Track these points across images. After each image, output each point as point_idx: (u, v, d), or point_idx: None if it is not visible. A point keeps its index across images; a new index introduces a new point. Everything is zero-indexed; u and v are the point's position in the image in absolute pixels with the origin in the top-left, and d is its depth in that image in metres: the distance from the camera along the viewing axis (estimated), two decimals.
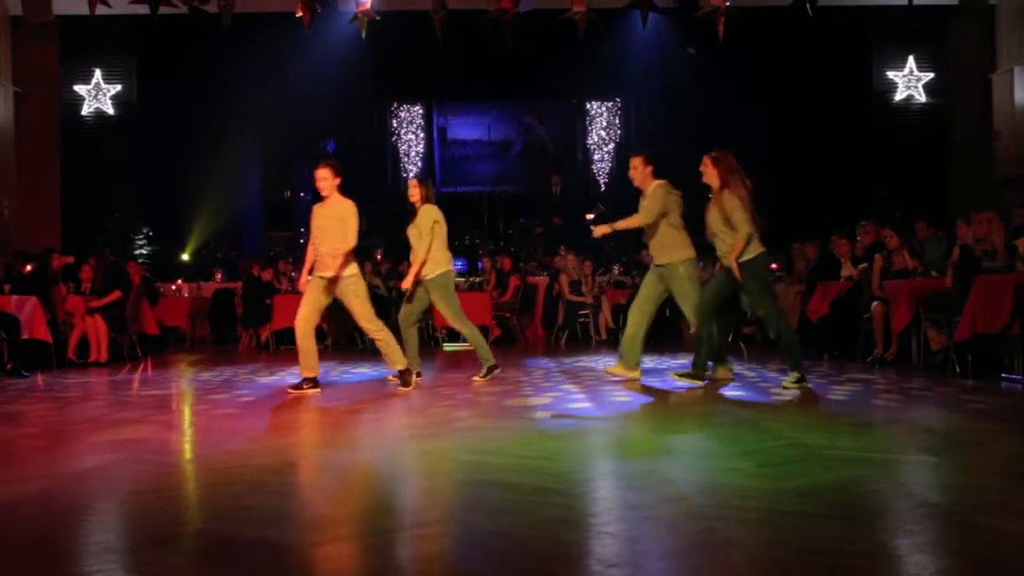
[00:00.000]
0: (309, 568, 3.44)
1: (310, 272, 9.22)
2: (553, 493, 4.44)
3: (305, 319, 9.09)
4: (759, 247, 8.90)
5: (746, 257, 8.77)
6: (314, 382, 9.10)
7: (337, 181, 9.19)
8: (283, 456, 5.71)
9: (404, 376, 9.24)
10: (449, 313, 9.99)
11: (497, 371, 10.07)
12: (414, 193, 9.99)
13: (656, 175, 9.57)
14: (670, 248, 9.53)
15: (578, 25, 17.53)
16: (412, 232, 9.91)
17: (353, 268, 9.10)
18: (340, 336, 16.49)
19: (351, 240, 8.98)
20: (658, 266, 9.67)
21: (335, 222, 9.03)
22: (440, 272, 9.81)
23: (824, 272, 13.24)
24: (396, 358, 9.25)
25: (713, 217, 9.04)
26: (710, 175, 9.10)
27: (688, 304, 9.55)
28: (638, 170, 9.78)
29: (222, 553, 3.62)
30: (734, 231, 8.80)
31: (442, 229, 9.87)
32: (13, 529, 4.04)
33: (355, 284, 9.09)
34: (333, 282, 8.99)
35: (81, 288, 13.93)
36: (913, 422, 6.85)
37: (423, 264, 9.74)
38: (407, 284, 9.93)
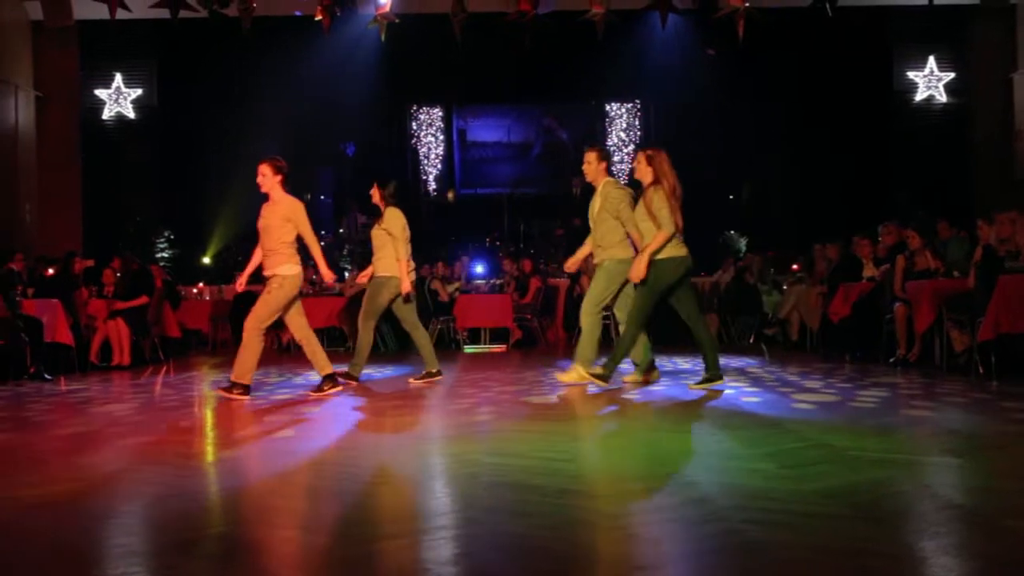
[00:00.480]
0: (333, 570, 3.43)
1: (255, 273, 9.24)
2: (575, 495, 4.43)
3: (292, 325, 9.14)
4: (677, 250, 8.89)
5: (660, 256, 8.76)
6: (332, 380, 9.17)
7: (278, 179, 9.04)
8: (305, 458, 5.71)
9: (329, 380, 9.20)
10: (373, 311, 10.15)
11: (439, 378, 10.21)
12: (375, 195, 10.06)
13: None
14: (612, 247, 9.43)
15: (597, 27, 17.53)
16: (377, 234, 10.02)
17: (288, 268, 8.93)
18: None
19: (307, 237, 8.98)
20: (598, 264, 9.60)
21: (278, 221, 8.93)
22: (393, 275, 9.97)
23: (846, 273, 13.19)
24: (322, 363, 9.20)
25: (639, 211, 9.01)
26: (643, 171, 9.03)
27: (589, 300, 9.45)
28: (592, 165, 9.59)
29: (245, 556, 3.62)
30: (658, 228, 8.78)
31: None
32: (38, 532, 4.05)
33: (280, 284, 8.92)
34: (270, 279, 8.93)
35: (103, 292, 13.98)
36: (937, 424, 6.82)
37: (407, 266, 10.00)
38: (406, 288, 9.98)
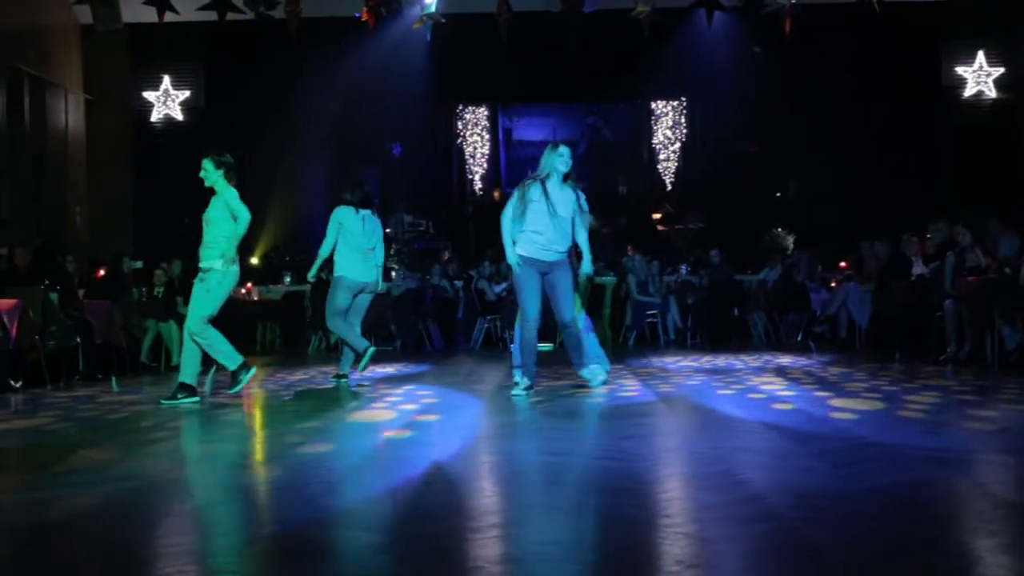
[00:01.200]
0: (385, 569, 3.44)
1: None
2: (628, 494, 4.42)
3: None
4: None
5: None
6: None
7: (219, 173, 8.88)
8: (357, 457, 5.73)
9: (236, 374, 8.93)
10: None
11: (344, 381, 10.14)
12: None
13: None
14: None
15: (643, 25, 17.49)
16: None
17: (220, 263, 8.74)
18: (407, 337, 16.58)
19: (238, 228, 8.82)
20: None
21: (220, 214, 8.81)
22: (344, 274, 10.09)
23: (895, 271, 13.10)
24: (227, 359, 8.87)
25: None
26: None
27: None
28: None
29: (300, 555, 3.63)
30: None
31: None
32: (92, 532, 4.08)
33: (210, 278, 8.76)
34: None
35: (152, 292, 14.09)
36: (989, 421, 6.75)
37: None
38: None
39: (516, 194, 8.75)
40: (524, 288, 8.64)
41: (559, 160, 8.69)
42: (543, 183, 8.63)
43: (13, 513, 4.47)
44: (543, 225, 8.58)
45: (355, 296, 10.12)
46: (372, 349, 9.96)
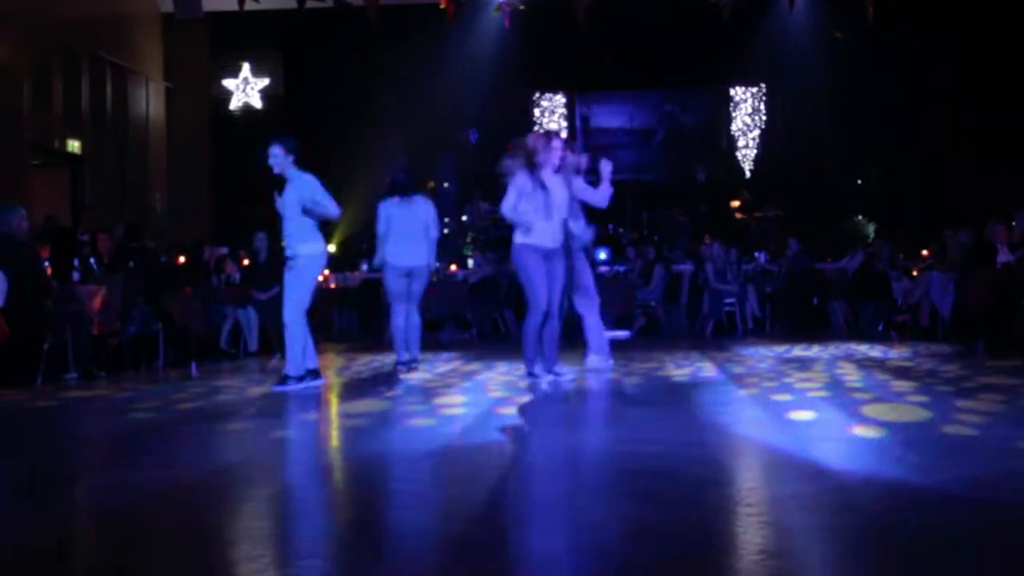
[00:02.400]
0: (464, 555, 3.41)
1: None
2: (708, 483, 4.36)
3: None
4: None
5: None
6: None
7: (290, 159, 8.92)
8: (429, 445, 5.70)
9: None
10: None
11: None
12: None
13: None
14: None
15: (722, 10, 17.34)
16: None
17: (305, 248, 8.84)
18: (483, 324, 16.59)
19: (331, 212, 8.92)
20: None
21: (295, 199, 8.82)
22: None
23: (979, 259, 12.87)
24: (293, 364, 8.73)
25: None
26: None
27: None
28: None
29: (376, 542, 3.62)
30: None
31: None
32: (175, 513, 4.11)
33: (297, 264, 8.81)
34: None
35: (231, 279, 14.21)
36: None
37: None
38: None
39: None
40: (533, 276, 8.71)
41: (554, 154, 8.79)
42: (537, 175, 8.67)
43: (102, 492, 4.55)
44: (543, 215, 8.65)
45: (408, 281, 10.21)
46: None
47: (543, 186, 8.61)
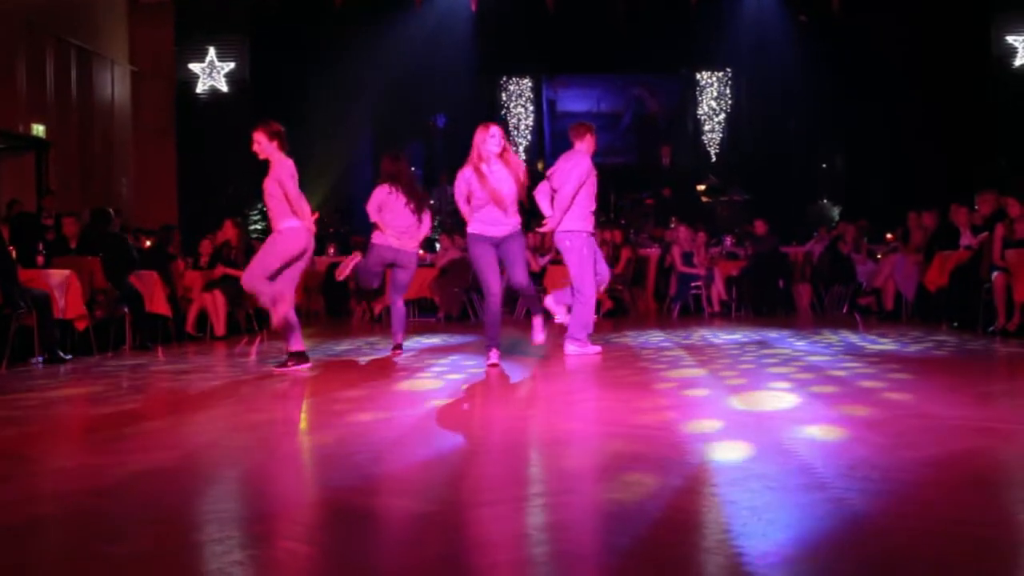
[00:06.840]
0: (436, 536, 3.44)
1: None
2: (674, 464, 4.41)
3: None
4: None
5: None
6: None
7: (274, 144, 8.77)
8: (408, 426, 5.73)
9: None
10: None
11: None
12: None
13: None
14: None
15: None
16: None
17: (287, 223, 8.75)
18: (451, 308, 16.59)
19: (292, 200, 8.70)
20: None
21: (274, 185, 8.72)
22: None
23: (943, 241, 13.00)
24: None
25: None
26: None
27: None
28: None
29: (346, 523, 3.65)
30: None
31: None
32: (142, 496, 4.12)
33: (277, 239, 8.77)
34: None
35: (199, 263, 14.19)
36: None
37: None
38: None
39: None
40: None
41: (492, 142, 8.79)
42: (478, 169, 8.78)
43: (70, 477, 4.56)
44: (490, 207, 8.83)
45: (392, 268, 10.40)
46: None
47: (488, 176, 8.72)
